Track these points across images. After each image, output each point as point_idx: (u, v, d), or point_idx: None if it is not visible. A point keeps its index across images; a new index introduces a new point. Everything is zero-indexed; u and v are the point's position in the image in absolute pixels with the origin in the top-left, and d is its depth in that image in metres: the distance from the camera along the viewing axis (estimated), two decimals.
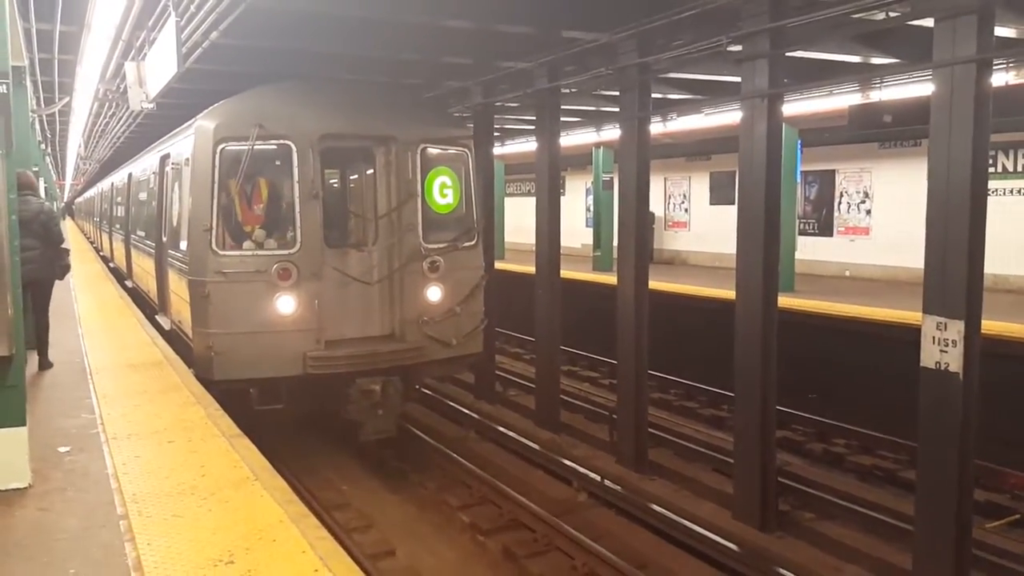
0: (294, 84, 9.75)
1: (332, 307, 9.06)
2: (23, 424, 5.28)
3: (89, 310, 13.37)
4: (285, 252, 8.77)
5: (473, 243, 10.07)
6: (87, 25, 10.93)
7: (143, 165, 15.30)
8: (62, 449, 6.04)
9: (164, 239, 11.34)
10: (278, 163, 9.01)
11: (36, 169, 15.49)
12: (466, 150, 10.15)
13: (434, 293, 9.58)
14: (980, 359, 6.25)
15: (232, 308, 8.61)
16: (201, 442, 6.16)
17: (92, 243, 32.70)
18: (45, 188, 19.71)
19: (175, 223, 10.36)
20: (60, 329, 11.15)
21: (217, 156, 8.71)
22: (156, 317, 12.13)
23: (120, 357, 9.44)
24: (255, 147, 8.65)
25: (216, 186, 8.68)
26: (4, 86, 5.16)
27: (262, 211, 8.99)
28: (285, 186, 8.99)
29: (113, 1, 10.00)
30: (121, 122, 19.35)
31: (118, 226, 19.93)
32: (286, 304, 8.69)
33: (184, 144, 9.87)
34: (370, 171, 9.86)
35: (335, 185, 11.33)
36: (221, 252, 8.66)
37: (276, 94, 9.45)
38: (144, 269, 14.07)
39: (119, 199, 20.17)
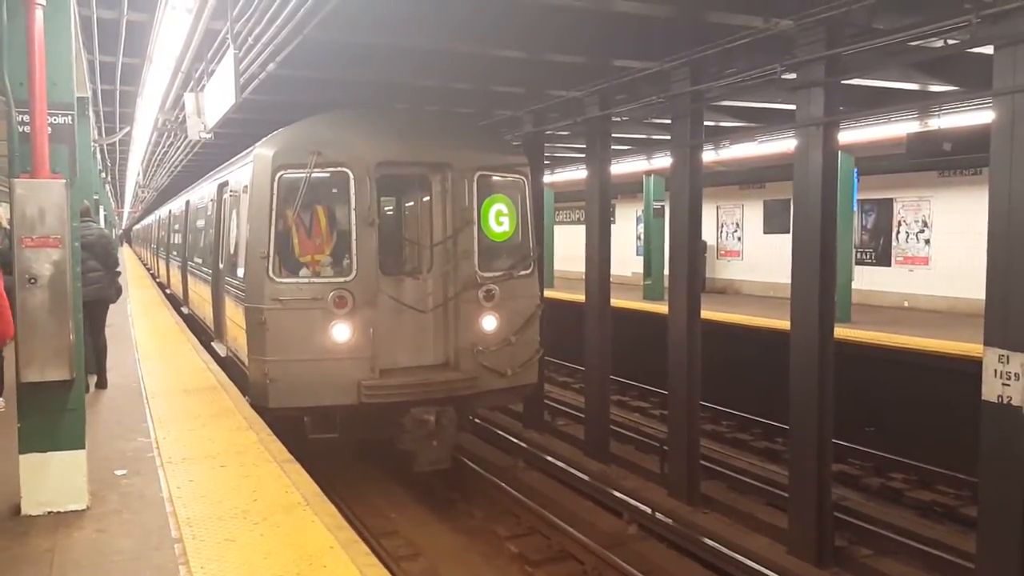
0: (350, 112, 9.76)
1: (387, 335, 8.96)
2: (83, 447, 5.38)
3: (145, 335, 13.66)
4: (341, 280, 8.73)
5: (529, 272, 9.85)
6: (148, 57, 11.23)
7: (201, 193, 15.41)
8: (119, 472, 6.13)
9: (221, 266, 11.36)
10: (335, 190, 9.00)
11: (96, 197, 15.95)
12: (522, 177, 9.95)
13: (489, 322, 9.39)
14: None
15: (288, 335, 8.54)
16: (253, 467, 6.21)
17: (149, 270, 33.22)
18: (104, 216, 20.27)
19: (232, 250, 10.35)
20: (117, 353, 11.37)
21: (275, 183, 8.71)
22: (212, 344, 12.09)
23: (175, 382, 9.60)
24: (313, 175, 8.69)
25: (274, 213, 8.68)
26: (70, 117, 5.32)
27: (319, 239, 8.97)
28: (342, 213, 8.97)
29: (174, 34, 10.28)
30: (179, 151, 19.86)
31: (175, 253, 20.07)
32: (341, 332, 8.61)
33: (243, 172, 9.90)
34: (426, 198, 9.77)
35: (390, 212, 11.15)
36: (278, 279, 8.62)
37: (333, 122, 9.44)
38: (201, 296, 14.08)
39: (176, 226, 20.28)
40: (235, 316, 9.83)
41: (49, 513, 5.24)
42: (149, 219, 39.48)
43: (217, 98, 10.19)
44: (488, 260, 9.54)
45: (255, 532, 4.87)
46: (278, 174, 8.72)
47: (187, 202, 17.73)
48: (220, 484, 5.81)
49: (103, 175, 26.08)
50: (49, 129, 5.11)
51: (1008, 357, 6.06)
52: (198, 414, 7.96)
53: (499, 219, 9.67)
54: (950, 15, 6.68)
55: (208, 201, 13.43)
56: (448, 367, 9.33)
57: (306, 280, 8.73)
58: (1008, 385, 6.07)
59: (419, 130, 9.59)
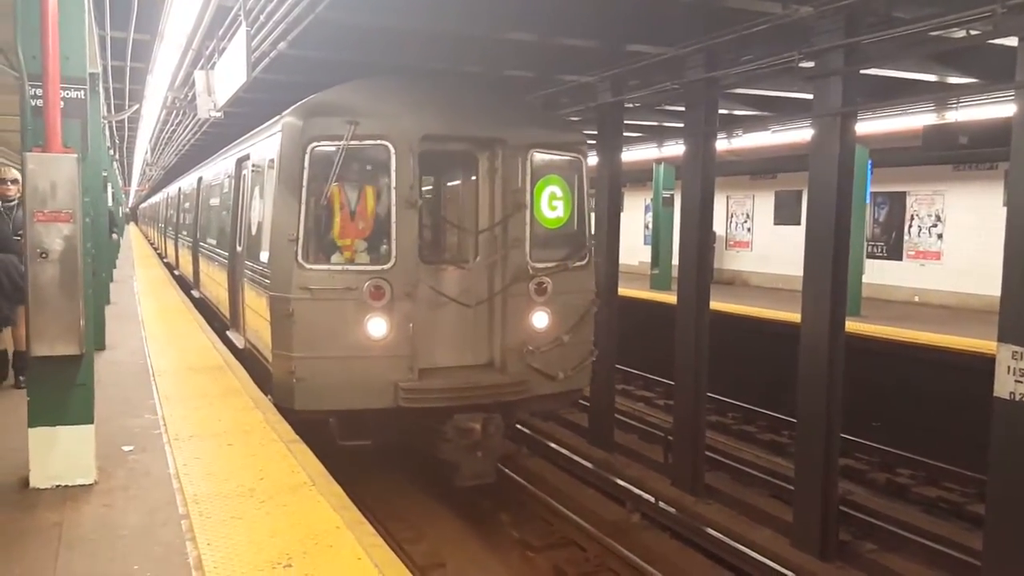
0: (391, 78, 8.89)
1: (427, 331, 8.17)
2: (91, 422, 5.37)
3: (152, 314, 13.66)
4: (378, 268, 7.91)
5: (584, 262, 8.96)
6: (160, 34, 11.17)
7: (216, 169, 14.39)
8: (126, 448, 6.12)
9: (239, 249, 10.57)
10: (373, 167, 8.20)
11: (105, 174, 15.93)
12: (579, 156, 8.99)
13: (540, 319, 8.52)
14: None
15: (318, 329, 7.75)
16: (260, 446, 6.20)
17: (156, 249, 32.59)
18: (112, 193, 20.25)
19: (254, 232, 9.53)
20: (124, 331, 11.42)
21: (307, 157, 7.84)
22: (228, 334, 11.16)
23: (182, 360, 9.59)
24: (349, 147, 7.83)
25: (305, 191, 7.83)
26: (82, 92, 5.28)
27: (355, 221, 8.11)
28: (380, 193, 8.14)
29: (186, 11, 10.22)
30: (188, 130, 19.81)
31: (185, 233, 19.31)
32: (377, 327, 7.82)
33: (268, 144, 9.04)
34: (472, 178, 8.87)
35: (428, 194, 10.11)
36: (308, 266, 7.77)
37: (371, 89, 8.57)
38: (214, 280, 13.25)
39: (187, 205, 19.45)
40: (256, 305, 9.08)
41: (57, 487, 5.24)
42: (157, 197, 38.70)
43: (228, 76, 10.14)
44: (540, 249, 8.65)
45: (261, 510, 4.86)
46: (310, 146, 7.85)
47: (199, 179, 16.84)
48: (227, 462, 5.80)
49: (111, 153, 26.05)
50: (61, 103, 5.08)
51: (1022, 354, 6.01)
52: (205, 392, 7.96)
53: (552, 203, 8.75)
54: (974, 5, 6.59)
55: (224, 178, 12.59)
56: (494, 368, 8.51)
57: (339, 267, 7.90)
58: (1021, 382, 6.03)
59: (467, 101, 8.71)
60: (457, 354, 8.51)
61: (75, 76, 5.20)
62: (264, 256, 8.66)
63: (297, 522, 4.69)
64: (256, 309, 9.08)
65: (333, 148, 7.80)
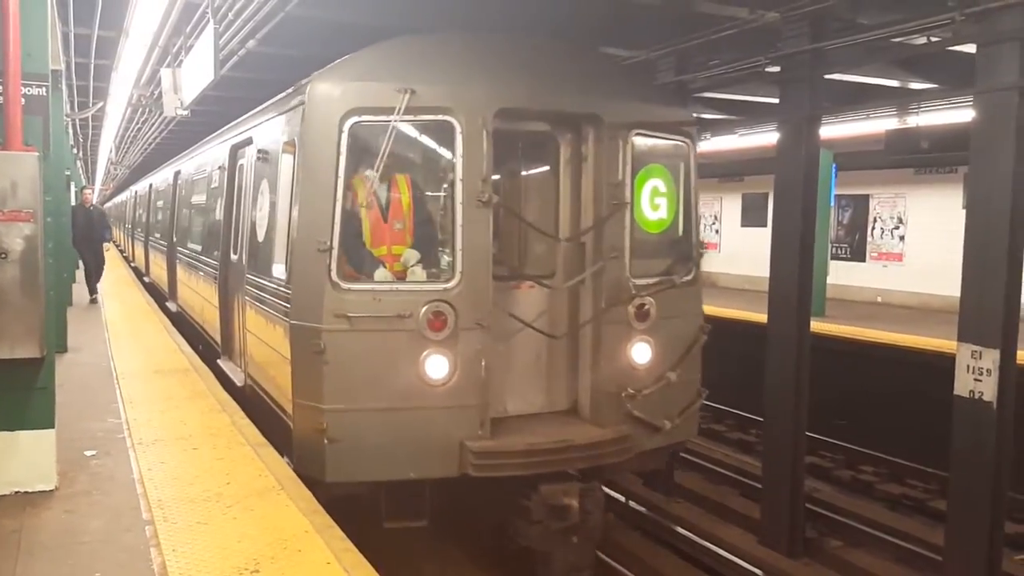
0: (449, 35, 6.90)
1: (501, 371, 6.42)
2: (52, 426, 5.28)
3: (116, 315, 13.46)
4: (439, 287, 6.03)
5: (691, 277, 7.07)
6: (125, 31, 11.04)
7: (199, 161, 12.18)
8: (88, 453, 6.02)
9: (234, 257, 8.65)
10: (431, 151, 6.43)
11: (68, 173, 15.69)
12: (688, 141, 7.17)
13: (642, 352, 6.65)
14: (1016, 388, 6.15)
15: (359, 372, 5.89)
16: (226, 449, 6.13)
17: (123, 252, 30.76)
18: (75, 192, 19.92)
19: (260, 237, 7.54)
20: (87, 334, 11.24)
21: (344, 137, 5.95)
22: (220, 364, 9.09)
23: (147, 362, 9.46)
24: (401, 124, 5.97)
25: (341, 184, 5.95)
26: (44, 89, 5.21)
27: (406, 224, 6.29)
28: (442, 186, 6.30)
29: (152, 7, 10.11)
30: (153, 128, 19.57)
31: (158, 235, 17.19)
32: (438, 367, 5.92)
33: (282, 123, 7.02)
34: (551, 167, 6.99)
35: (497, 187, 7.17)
36: (345, 285, 5.89)
37: (427, 47, 6.56)
38: (198, 293, 11.19)
39: (160, 203, 17.41)
40: (266, 333, 7.07)
41: (16, 493, 5.14)
42: (123, 195, 36.75)
43: (195, 74, 10.05)
44: (641, 261, 6.78)
45: (228, 515, 4.80)
46: (349, 122, 5.95)
47: (176, 173, 14.78)
48: (192, 466, 5.72)
49: (75, 151, 25.66)
50: (22, 100, 4.99)
51: (981, 353, 6.14)
52: (170, 395, 7.85)
53: (655, 201, 6.92)
54: (933, 12, 6.70)
55: (213, 170, 10.47)
56: (582, 417, 6.69)
57: (387, 287, 6.03)
58: (980, 380, 6.15)
59: (549, 65, 6.70)
60: (534, 399, 6.75)
61: (37, 72, 5.13)
62: (278, 270, 6.74)
63: (265, 527, 4.64)
64: (265, 338, 7.11)
65: (380, 125, 5.93)
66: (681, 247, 7.17)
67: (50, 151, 5.39)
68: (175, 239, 14.00)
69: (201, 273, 10.81)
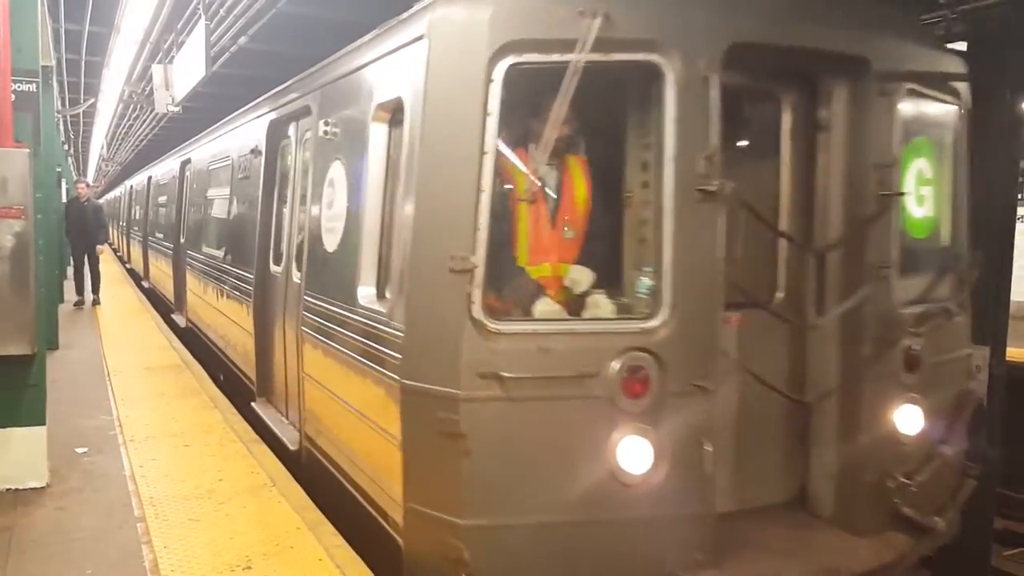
0: None
1: (728, 454, 4.44)
2: (43, 423, 5.26)
3: (107, 311, 13.42)
4: (635, 326, 3.94)
5: (961, 304, 5.01)
6: (116, 27, 11.02)
7: (217, 147, 9.97)
8: (80, 450, 6.00)
9: (278, 270, 6.72)
10: (628, 109, 4.30)
11: (59, 169, 15.63)
12: (958, 103, 5.04)
13: (912, 418, 4.53)
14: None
15: (518, 465, 3.86)
16: (219, 446, 6.11)
17: (116, 251, 28.39)
18: (67, 189, 19.86)
19: (330, 244, 5.25)
20: (78, 329, 11.21)
21: (496, 88, 3.83)
22: (256, 409, 6.99)
23: (138, 359, 9.42)
24: (586, 64, 3.73)
25: (488, 163, 3.84)
26: (33, 85, 5.20)
27: (579, 227, 4.34)
28: (638, 169, 4.22)
29: (143, 3, 10.09)
30: (145, 124, 19.53)
31: (160, 235, 15.19)
32: (637, 455, 3.84)
33: (372, 78, 4.85)
34: (765, 139, 4.81)
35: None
36: (495, 326, 3.82)
37: None
38: (220, 311, 8.94)
39: (163, 198, 15.25)
40: (347, 390, 4.84)
41: (8, 490, 5.12)
42: (117, 191, 34.28)
43: (186, 71, 10.04)
44: (907, 282, 4.70)
45: (220, 512, 4.80)
46: (503, 64, 3.83)
47: (185, 163, 12.51)
48: (185, 463, 5.71)
49: (66, 147, 25.55)
50: (13, 96, 4.98)
51: None
52: (162, 392, 7.83)
53: (920, 191, 4.89)
54: (924, 10, 6.68)
55: (241, 156, 8.28)
56: (822, 515, 4.63)
57: (560, 327, 4.01)
58: None
59: None
60: (750, 489, 4.60)
61: (27, 68, 5.12)
62: (366, 295, 4.60)
63: (257, 523, 4.63)
64: (345, 395, 4.89)
65: (554, 68, 3.76)
66: (947, 259, 5.07)
67: (41, 147, 5.37)
68: (183, 240, 11.98)
69: (225, 286, 8.59)
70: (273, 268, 6.91)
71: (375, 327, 4.37)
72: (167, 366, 9.10)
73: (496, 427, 3.83)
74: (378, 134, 4.70)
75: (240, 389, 7.79)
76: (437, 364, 3.89)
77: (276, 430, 6.35)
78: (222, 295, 8.76)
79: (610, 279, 4.27)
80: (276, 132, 7.13)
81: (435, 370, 3.89)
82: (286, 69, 10.19)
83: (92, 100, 17.47)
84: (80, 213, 13.95)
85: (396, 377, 4.05)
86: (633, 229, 4.25)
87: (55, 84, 13.54)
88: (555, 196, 4.33)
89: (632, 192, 4.28)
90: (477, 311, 3.79)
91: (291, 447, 5.95)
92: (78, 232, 13.93)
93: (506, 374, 3.77)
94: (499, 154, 3.92)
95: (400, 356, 4.03)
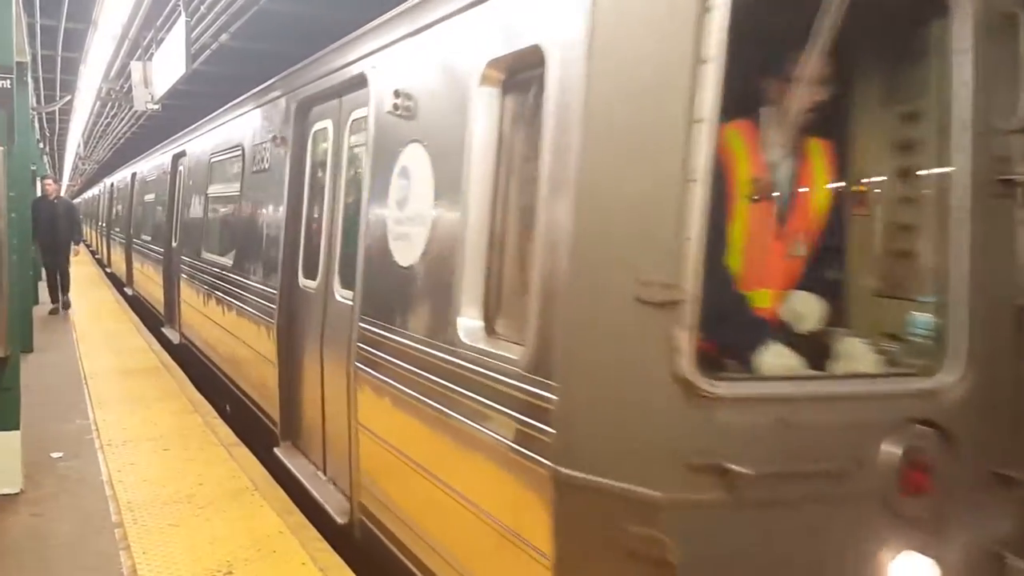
0: None
1: None
2: (17, 428, 5.15)
3: (83, 313, 13.24)
4: (914, 386, 2.68)
5: None
6: (93, 23, 10.86)
7: (219, 137, 8.50)
8: (55, 455, 5.88)
9: (312, 285, 5.41)
10: (883, 71, 3.23)
11: (34, 168, 15.38)
12: None
13: None
14: None
15: None
16: (198, 450, 6.01)
17: (94, 253, 27.11)
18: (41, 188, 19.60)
19: (402, 258, 3.92)
20: (54, 332, 11.04)
21: (718, 15, 2.45)
22: (281, 457, 5.61)
23: (115, 362, 9.28)
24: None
25: (700, 130, 2.48)
26: (8, 81, 5.10)
27: (815, 237, 3.13)
28: (896, 145, 3.19)
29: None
30: (123, 122, 19.32)
31: (147, 237, 13.49)
32: None
33: (475, 27, 3.46)
34: None
35: None
36: (711, 388, 2.47)
37: None
38: (227, 331, 7.47)
39: (149, 197, 13.78)
40: (447, 466, 3.43)
41: None
42: (95, 189, 32.63)
43: (166, 68, 9.91)
44: None
45: (201, 517, 4.71)
46: None
47: (177, 157, 11.07)
48: (163, 468, 5.61)
49: (41, 146, 25.25)
50: None
51: None
52: (141, 396, 7.70)
53: None
54: None
55: (253, 146, 7.04)
56: None
57: (808, 389, 2.65)
58: None
59: None
60: None
61: (1, 64, 4.99)
62: (471, 330, 3.29)
63: (238, 528, 4.55)
64: (439, 470, 3.50)
65: None
66: None
67: (15, 145, 5.25)
68: (175, 244, 10.67)
69: (234, 300, 7.19)
70: (304, 282, 5.57)
71: (499, 380, 2.97)
72: (146, 369, 8.97)
73: (720, 548, 2.50)
74: (487, 103, 3.33)
75: (254, 426, 6.44)
76: (619, 447, 2.56)
77: (314, 492, 4.92)
78: (230, 310, 7.29)
79: (842, 311, 3.08)
80: (307, 114, 5.72)
81: (617, 457, 2.55)
82: (268, 67, 10.14)
83: (68, 97, 17.26)
84: (50, 212, 12.74)
85: (545, 461, 2.66)
86: (887, 239, 3.13)
87: (30, 80, 13.36)
88: (787, 192, 3.04)
89: (888, 185, 3.17)
90: (686, 365, 2.45)
91: (338, 519, 4.52)
92: (47, 232, 12.58)
93: (738, 467, 2.42)
94: (722, 126, 2.55)
95: (553, 431, 2.65)
